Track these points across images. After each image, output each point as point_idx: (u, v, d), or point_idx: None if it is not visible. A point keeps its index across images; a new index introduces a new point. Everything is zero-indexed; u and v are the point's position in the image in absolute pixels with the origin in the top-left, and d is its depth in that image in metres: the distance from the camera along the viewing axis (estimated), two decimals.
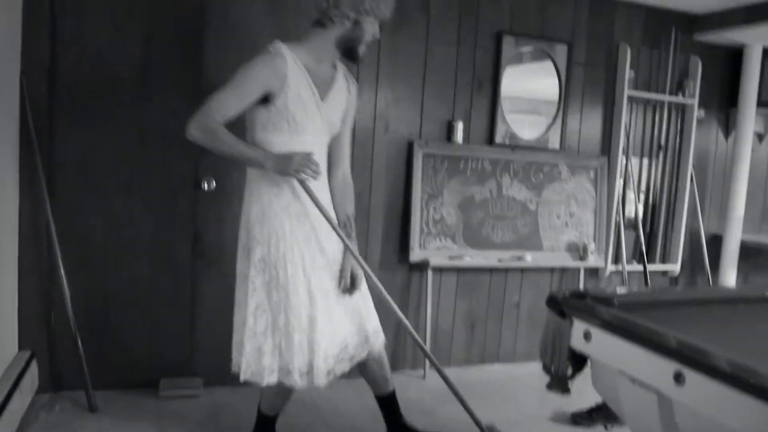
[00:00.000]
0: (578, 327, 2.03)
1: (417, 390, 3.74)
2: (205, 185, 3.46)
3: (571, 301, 2.12)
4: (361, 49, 2.52)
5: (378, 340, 2.66)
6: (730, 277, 4.83)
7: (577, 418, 3.37)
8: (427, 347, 3.91)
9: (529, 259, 4.18)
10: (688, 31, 4.60)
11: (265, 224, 2.45)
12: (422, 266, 3.96)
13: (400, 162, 3.89)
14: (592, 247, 4.35)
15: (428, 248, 3.93)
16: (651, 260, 4.69)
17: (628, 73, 4.38)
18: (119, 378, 3.42)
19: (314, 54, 2.48)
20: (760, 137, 5.12)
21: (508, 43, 4.04)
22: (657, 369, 1.73)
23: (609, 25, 4.39)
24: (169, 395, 3.41)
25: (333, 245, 2.55)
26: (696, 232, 4.87)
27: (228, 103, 2.34)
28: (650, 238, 4.71)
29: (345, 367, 2.53)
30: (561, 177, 4.34)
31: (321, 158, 2.54)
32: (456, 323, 4.19)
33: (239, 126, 2.48)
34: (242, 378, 2.45)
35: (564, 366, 2.11)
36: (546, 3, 4.17)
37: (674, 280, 4.87)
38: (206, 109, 2.33)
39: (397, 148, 3.89)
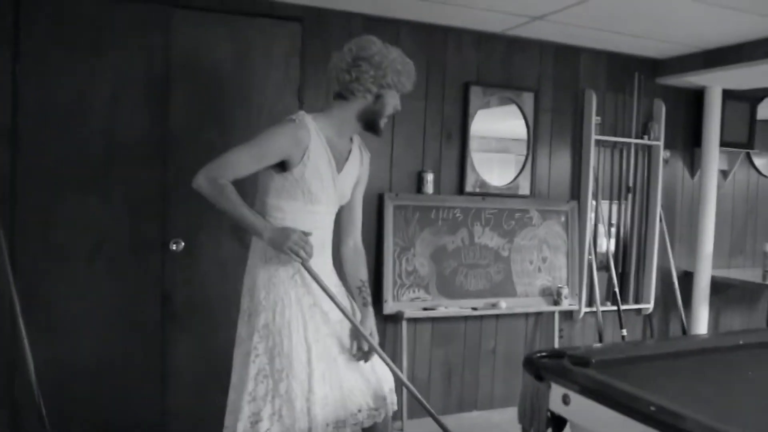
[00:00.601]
0: (556, 391, 2.01)
1: None
2: (174, 246, 3.40)
3: (547, 364, 2.10)
4: (382, 122, 2.51)
5: (393, 399, 2.61)
6: (702, 312, 4.87)
7: None
8: (404, 399, 3.87)
9: (504, 306, 4.17)
10: (650, 76, 4.70)
11: (271, 291, 2.40)
12: (397, 318, 3.93)
13: (371, 215, 3.88)
14: (565, 291, 4.36)
15: (402, 300, 3.90)
16: (624, 300, 4.71)
17: (594, 118, 4.45)
18: None
19: (336, 126, 2.48)
20: (724, 174, 5.21)
21: (475, 94, 4.08)
22: None
23: (574, 71, 4.46)
24: None
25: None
26: (667, 270, 4.91)
27: (243, 162, 2.32)
28: (622, 278, 4.74)
29: None
30: (532, 223, 4.36)
31: (329, 227, 2.56)
32: (432, 372, 4.15)
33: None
34: None
35: (543, 429, 2.09)
36: (511, 52, 4.23)
37: (648, 318, 4.90)
38: (220, 163, 2.30)
39: (368, 202, 3.86)
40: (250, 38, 3.55)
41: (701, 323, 4.88)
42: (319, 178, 2.41)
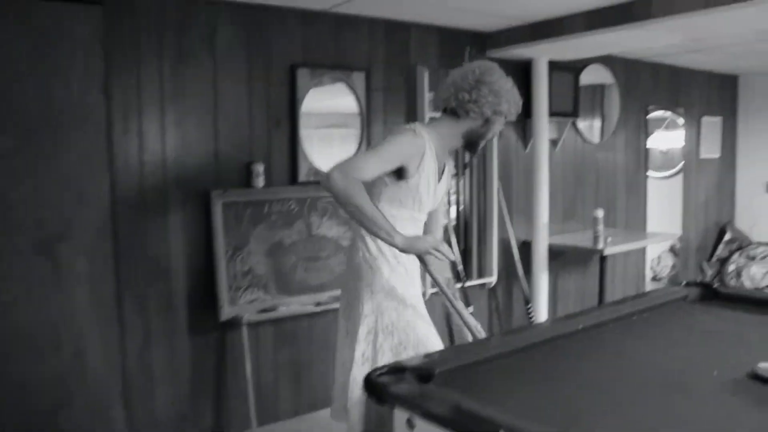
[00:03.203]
0: (399, 415, 1.84)
1: None
2: None
3: (387, 383, 1.92)
4: (482, 144, 2.67)
5: None
6: (542, 280, 4.99)
7: None
8: (252, 406, 3.63)
9: None
10: (481, 50, 4.66)
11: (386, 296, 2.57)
12: (236, 323, 3.64)
13: (197, 215, 3.55)
14: None
15: (239, 303, 3.61)
16: (469, 276, 4.71)
17: (427, 95, 4.34)
18: None
19: (444, 140, 2.59)
20: (554, 143, 5.33)
21: (303, 76, 3.82)
22: None
23: (405, 48, 4.32)
24: None
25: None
26: (507, 241, 4.97)
27: (371, 165, 2.37)
28: (465, 254, 4.73)
29: None
30: None
31: (422, 231, 2.70)
32: (280, 375, 3.92)
33: None
34: None
35: None
36: (340, 30, 4.00)
37: (492, 292, 4.95)
38: (352, 163, 2.35)
39: (193, 201, 3.53)
40: (46, 26, 3.04)
41: (542, 291, 5.00)
42: (428, 188, 2.55)
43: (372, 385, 1.93)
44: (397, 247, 2.39)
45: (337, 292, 3.94)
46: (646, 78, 6.09)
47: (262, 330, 3.81)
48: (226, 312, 3.55)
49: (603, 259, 4.99)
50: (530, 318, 4.93)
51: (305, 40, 3.86)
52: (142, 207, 3.41)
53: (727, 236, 7.03)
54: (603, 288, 5.06)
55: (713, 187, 7.11)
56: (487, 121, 2.56)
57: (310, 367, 4.04)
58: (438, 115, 2.73)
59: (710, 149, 6.93)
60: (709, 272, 6.93)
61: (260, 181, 3.71)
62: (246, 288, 3.64)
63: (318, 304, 3.89)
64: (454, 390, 1.83)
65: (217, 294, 3.53)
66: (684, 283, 3.05)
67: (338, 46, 4.01)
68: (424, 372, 1.95)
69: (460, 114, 2.55)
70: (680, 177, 6.70)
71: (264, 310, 3.68)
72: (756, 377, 1.90)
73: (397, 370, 1.98)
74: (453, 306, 2.68)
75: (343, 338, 2.72)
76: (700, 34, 4.40)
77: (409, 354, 2.49)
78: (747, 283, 6.68)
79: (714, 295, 2.91)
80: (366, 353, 2.56)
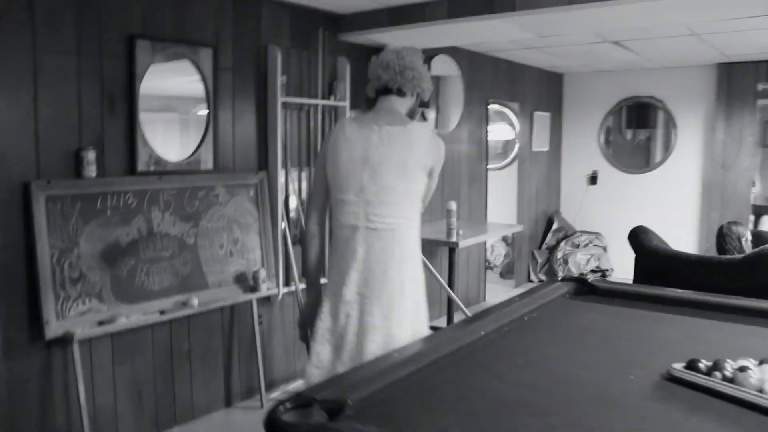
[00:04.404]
0: None
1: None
2: None
3: (291, 424, 1.59)
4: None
5: None
6: None
7: None
8: None
9: (196, 303, 3.55)
10: (335, 32, 4.37)
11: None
12: (66, 340, 3.05)
13: (14, 211, 2.91)
14: (262, 274, 3.89)
15: (70, 316, 3.04)
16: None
17: (279, 78, 3.98)
18: None
19: (388, 114, 2.59)
20: None
21: (142, 49, 3.29)
22: None
23: (256, 25, 3.91)
24: None
25: None
26: None
27: (315, 192, 2.64)
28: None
29: None
30: (219, 201, 3.78)
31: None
32: (119, 395, 3.38)
33: None
34: None
35: None
36: (185, 1, 3.51)
37: None
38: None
39: (8, 194, 2.90)
40: None
41: None
42: (349, 164, 2.54)
43: (275, 425, 1.59)
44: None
45: (184, 296, 3.51)
46: (488, 72, 6.16)
47: (97, 346, 3.25)
48: (53, 328, 2.97)
49: (452, 250, 4.93)
50: None
51: (146, 8, 3.33)
52: None
53: (555, 225, 7.39)
54: (453, 279, 5.01)
55: (543, 178, 7.42)
56: (417, 97, 2.63)
57: (153, 384, 3.54)
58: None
59: (541, 143, 7.22)
60: (540, 260, 7.22)
61: (92, 171, 3.14)
62: (77, 298, 3.07)
63: (162, 312, 3.40)
64: (368, 425, 1.57)
65: (41, 307, 2.94)
66: (561, 278, 3.05)
67: (183, 17, 3.51)
68: (334, 405, 1.66)
69: (405, 92, 2.57)
70: (515, 169, 6.91)
71: (100, 323, 3.14)
72: (673, 379, 1.86)
73: (304, 404, 1.66)
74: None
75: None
76: (556, 31, 4.45)
77: None
78: (573, 269, 7.04)
79: (591, 290, 2.94)
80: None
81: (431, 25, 4.03)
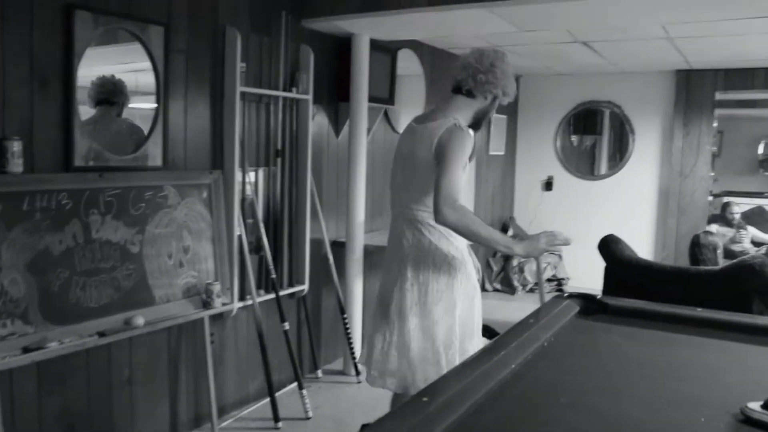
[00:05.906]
0: None
1: None
2: None
3: None
4: (484, 122, 2.82)
5: None
6: (357, 285, 4.45)
7: None
8: None
9: (141, 322, 3.03)
10: (299, 17, 3.94)
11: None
12: None
13: None
14: (217, 288, 3.40)
15: None
16: (280, 285, 3.97)
17: (239, 65, 3.51)
18: None
19: (464, 119, 2.66)
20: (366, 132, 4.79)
21: (82, 22, 2.77)
22: None
23: (213, 3, 3.44)
24: None
25: None
26: (319, 242, 4.33)
27: (461, 180, 2.46)
28: (276, 259, 3.97)
29: None
30: (168, 203, 3.27)
31: None
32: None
33: None
34: None
35: None
36: None
37: (302, 301, 4.27)
38: (450, 191, 2.41)
39: None
40: None
41: (357, 297, 4.47)
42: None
43: None
44: (520, 255, 2.76)
45: (127, 314, 2.99)
46: (448, 69, 5.82)
47: (19, 376, 2.70)
48: None
49: None
50: (347, 330, 4.34)
51: None
52: None
53: (510, 232, 7.13)
54: None
55: (498, 183, 7.16)
56: (494, 100, 2.70)
57: (88, 416, 3.01)
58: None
59: (497, 146, 6.96)
60: (495, 268, 6.96)
61: (17, 165, 2.60)
62: None
63: (102, 334, 2.87)
64: None
65: None
66: (567, 294, 2.75)
67: None
68: None
69: (476, 95, 2.66)
70: (471, 173, 6.61)
71: (26, 349, 2.59)
72: (749, 421, 1.60)
73: None
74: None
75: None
76: (538, 25, 4.15)
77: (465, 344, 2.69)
78: (529, 278, 6.81)
79: (601, 308, 2.64)
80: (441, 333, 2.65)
81: (409, 12, 3.65)
